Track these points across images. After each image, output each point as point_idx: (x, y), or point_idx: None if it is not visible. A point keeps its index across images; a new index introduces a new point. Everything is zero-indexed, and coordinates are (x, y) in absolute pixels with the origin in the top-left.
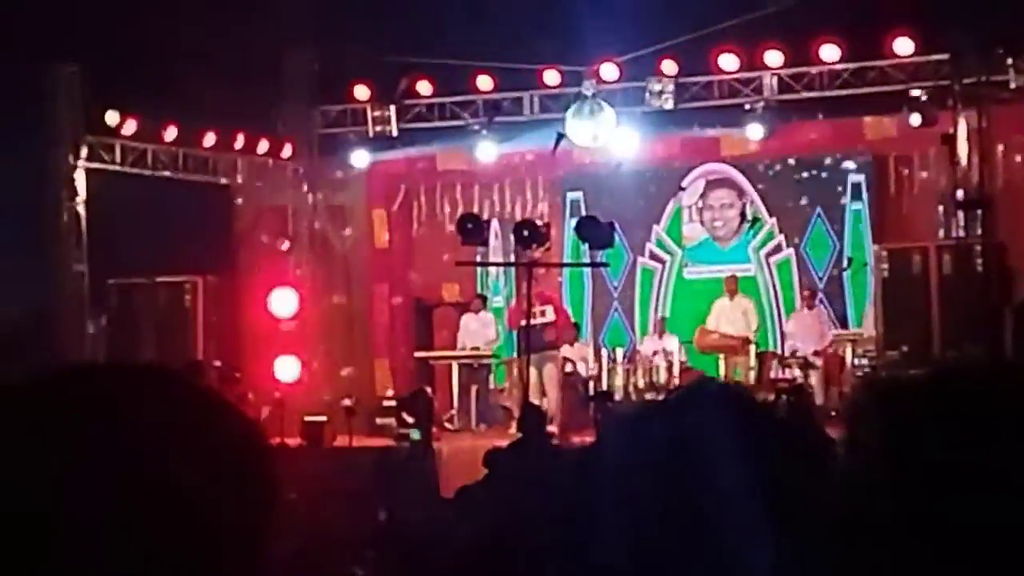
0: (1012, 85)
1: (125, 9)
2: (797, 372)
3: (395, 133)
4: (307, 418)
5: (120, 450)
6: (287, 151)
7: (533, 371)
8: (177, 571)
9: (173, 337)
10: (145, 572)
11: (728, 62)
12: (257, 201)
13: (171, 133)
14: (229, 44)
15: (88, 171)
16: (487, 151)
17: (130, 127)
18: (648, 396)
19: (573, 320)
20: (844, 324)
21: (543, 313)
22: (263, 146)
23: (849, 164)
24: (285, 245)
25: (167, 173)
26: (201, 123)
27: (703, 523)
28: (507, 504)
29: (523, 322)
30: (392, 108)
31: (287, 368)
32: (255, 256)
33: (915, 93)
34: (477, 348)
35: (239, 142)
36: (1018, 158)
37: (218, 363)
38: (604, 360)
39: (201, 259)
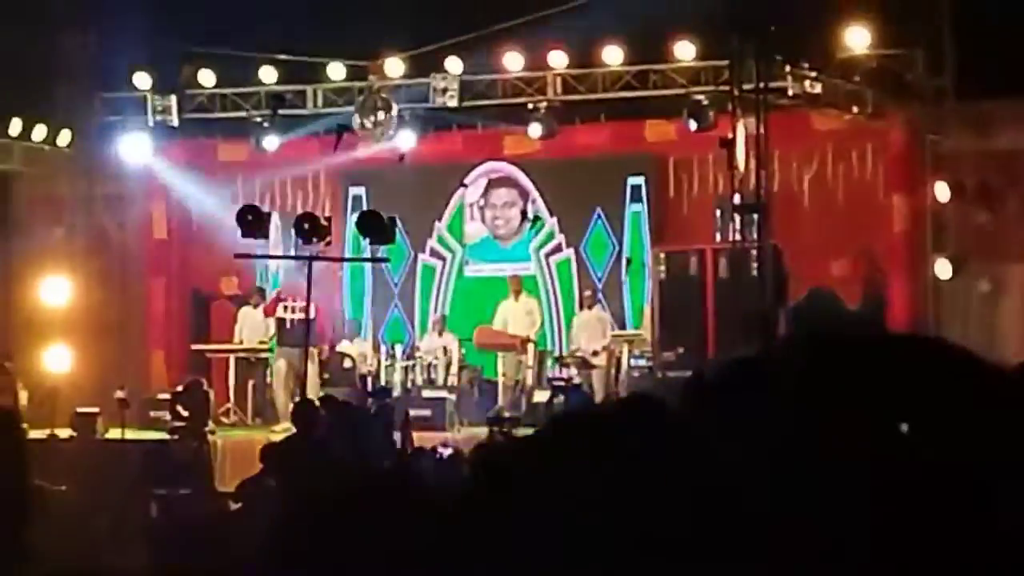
0: (790, 92)
1: None
2: (574, 371)
3: (176, 123)
4: (79, 409)
5: None
6: (65, 138)
7: (283, 363)
8: None
9: None
10: None
11: (513, 61)
12: (33, 188)
13: None
14: (3, 25)
15: None
16: (269, 143)
17: None
18: (426, 393)
19: (351, 317)
20: (622, 325)
21: (300, 309)
22: (40, 132)
23: (629, 166)
24: (60, 234)
25: None
26: None
27: None
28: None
29: (278, 312)
30: (173, 97)
31: (59, 358)
32: (29, 244)
33: (696, 98)
34: (254, 342)
35: (15, 127)
36: (794, 164)
37: None
38: (383, 356)
39: None
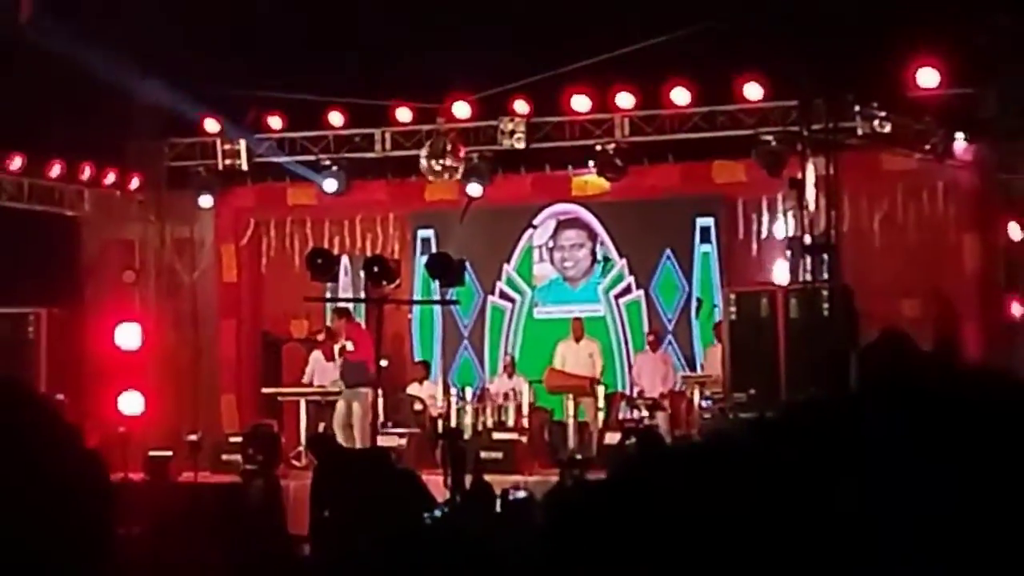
0: (859, 132)
1: None
2: (645, 413)
3: (245, 167)
4: (151, 453)
5: None
6: (135, 183)
7: (343, 404)
8: None
9: (15, 369)
10: None
11: (580, 103)
12: (104, 233)
13: (16, 163)
14: (76, 74)
15: None
16: (338, 186)
17: None
18: (496, 435)
19: (420, 359)
20: (692, 366)
21: (347, 351)
22: (110, 178)
23: (697, 207)
24: (131, 278)
25: (12, 203)
26: (47, 153)
27: None
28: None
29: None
30: (242, 142)
31: (131, 402)
32: (101, 289)
33: (764, 138)
34: (324, 385)
35: (86, 173)
36: (864, 204)
37: (61, 396)
38: (453, 399)
39: (45, 291)
